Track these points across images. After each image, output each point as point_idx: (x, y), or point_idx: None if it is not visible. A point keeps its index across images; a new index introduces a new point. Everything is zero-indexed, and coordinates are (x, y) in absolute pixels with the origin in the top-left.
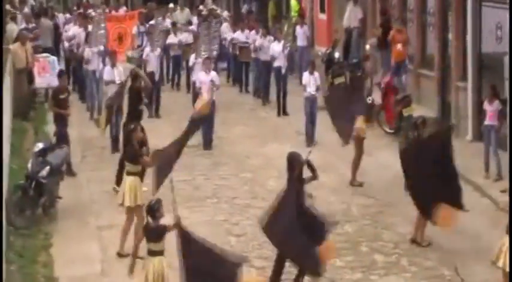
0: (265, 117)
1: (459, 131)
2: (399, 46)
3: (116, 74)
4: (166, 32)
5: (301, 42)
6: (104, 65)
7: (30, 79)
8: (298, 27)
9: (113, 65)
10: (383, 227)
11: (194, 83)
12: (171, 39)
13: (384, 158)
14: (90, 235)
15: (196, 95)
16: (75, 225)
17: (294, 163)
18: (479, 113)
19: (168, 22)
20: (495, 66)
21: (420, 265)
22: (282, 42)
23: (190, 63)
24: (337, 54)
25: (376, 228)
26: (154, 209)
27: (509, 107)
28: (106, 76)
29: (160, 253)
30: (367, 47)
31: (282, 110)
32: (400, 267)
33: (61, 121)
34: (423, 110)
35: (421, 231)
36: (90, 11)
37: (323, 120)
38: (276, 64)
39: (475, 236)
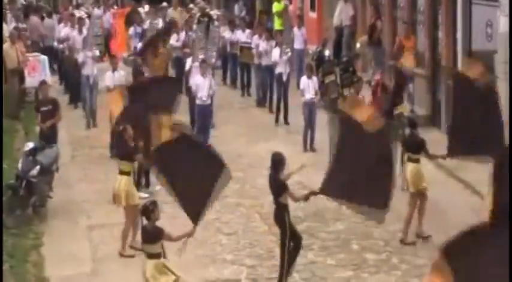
0: (257, 116)
1: None
2: (406, 53)
3: (117, 78)
4: None
5: (298, 44)
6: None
7: (21, 79)
8: (295, 29)
9: (114, 70)
10: (374, 225)
11: (190, 87)
12: (174, 40)
13: None
14: (80, 235)
15: (192, 100)
16: (65, 225)
17: (278, 164)
18: None
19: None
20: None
21: (411, 263)
22: (282, 47)
23: (187, 67)
24: (327, 53)
25: (366, 226)
26: (149, 211)
27: (508, 107)
28: (108, 81)
29: (157, 256)
30: (358, 45)
31: (284, 119)
32: (390, 265)
33: (46, 136)
34: (414, 108)
35: (419, 226)
36: (80, 11)
37: (318, 120)
38: (277, 70)
39: None
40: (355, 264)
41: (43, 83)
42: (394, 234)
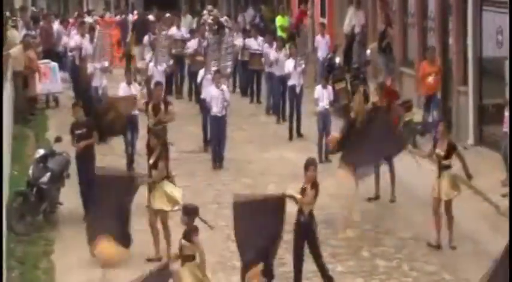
0: (266, 122)
1: (460, 135)
2: (430, 78)
3: (133, 90)
4: (181, 42)
5: (322, 52)
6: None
7: (25, 85)
8: (319, 37)
9: (129, 82)
10: (384, 232)
11: (204, 100)
12: (185, 47)
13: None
14: None
15: (205, 111)
16: (76, 231)
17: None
18: (481, 118)
19: (183, 31)
20: (496, 70)
21: (421, 270)
22: (296, 59)
23: (199, 79)
24: (337, 60)
25: (377, 233)
26: (190, 213)
27: (509, 111)
28: (122, 93)
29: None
30: (368, 51)
31: (297, 132)
32: (401, 272)
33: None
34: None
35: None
36: (88, 18)
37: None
38: (290, 82)
39: (476, 240)
40: (366, 272)
41: (76, 104)
42: (404, 241)
